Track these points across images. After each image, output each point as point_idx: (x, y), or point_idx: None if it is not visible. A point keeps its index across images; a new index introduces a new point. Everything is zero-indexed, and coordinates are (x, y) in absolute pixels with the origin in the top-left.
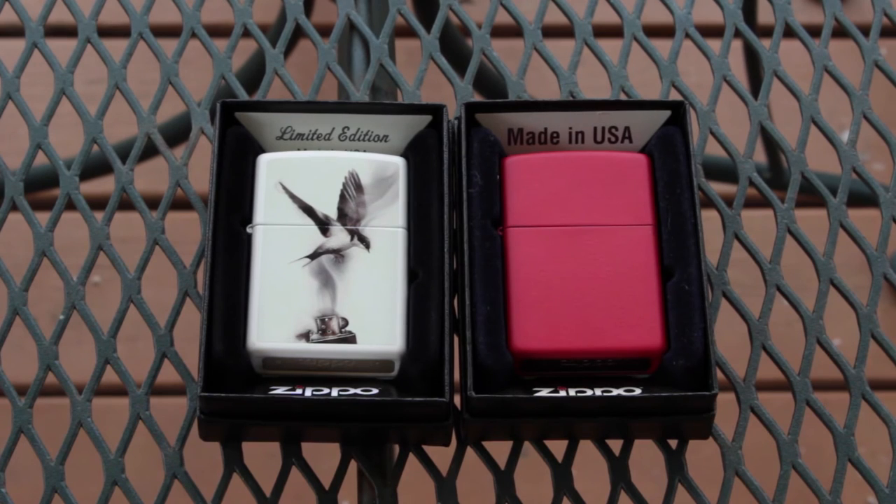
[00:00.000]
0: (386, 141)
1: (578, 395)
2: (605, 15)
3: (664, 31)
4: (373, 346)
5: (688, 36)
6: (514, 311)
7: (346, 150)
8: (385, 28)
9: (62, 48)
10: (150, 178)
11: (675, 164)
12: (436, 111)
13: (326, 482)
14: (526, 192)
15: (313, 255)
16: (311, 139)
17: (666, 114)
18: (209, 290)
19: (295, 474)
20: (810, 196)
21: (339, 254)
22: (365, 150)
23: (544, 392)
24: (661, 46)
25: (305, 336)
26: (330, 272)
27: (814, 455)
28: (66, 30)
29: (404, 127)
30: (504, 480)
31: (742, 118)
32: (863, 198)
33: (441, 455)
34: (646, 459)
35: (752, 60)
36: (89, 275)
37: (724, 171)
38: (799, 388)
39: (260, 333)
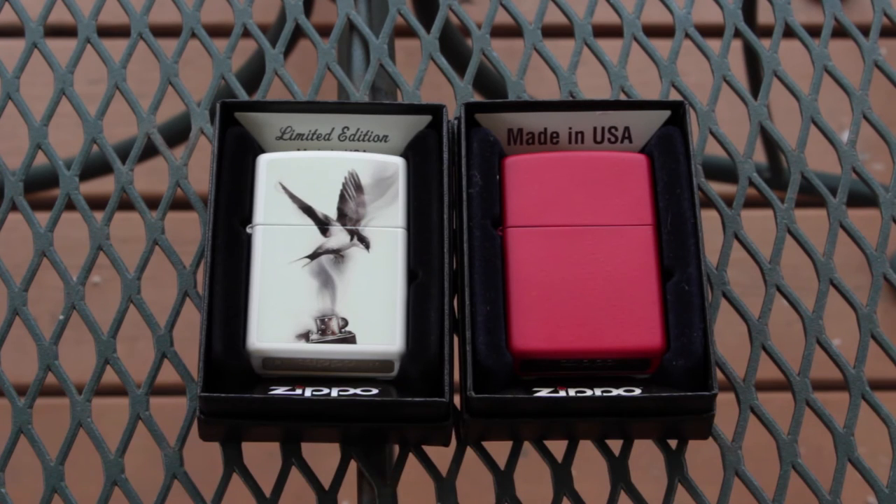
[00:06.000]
0: (386, 141)
1: (578, 395)
2: (605, 15)
3: (664, 31)
4: (372, 346)
5: (687, 36)
6: (513, 312)
7: (345, 150)
8: (385, 28)
9: (62, 48)
10: (150, 178)
11: (674, 165)
12: (436, 111)
13: (326, 482)
14: (526, 192)
15: (313, 256)
16: (311, 139)
17: (666, 114)
18: (209, 291)
19: (295, 474)
20: (810, 196)
21: (338, 254)
22: (365, 150)
23: (544, 392)
24: (661, 46)
25: (305, 336)
26: (330, 272)
27: (814, 455)
28: (66, 30)
29: (404, 127)
30: (504, 481)
31: (742, 118)
32: (863, 198)
33: (441, 455)
34: (646, 459)
35: (752, 60)
36: (89, 275)
37: (723, 171)
38: (799, 388)
39: (260, 334)
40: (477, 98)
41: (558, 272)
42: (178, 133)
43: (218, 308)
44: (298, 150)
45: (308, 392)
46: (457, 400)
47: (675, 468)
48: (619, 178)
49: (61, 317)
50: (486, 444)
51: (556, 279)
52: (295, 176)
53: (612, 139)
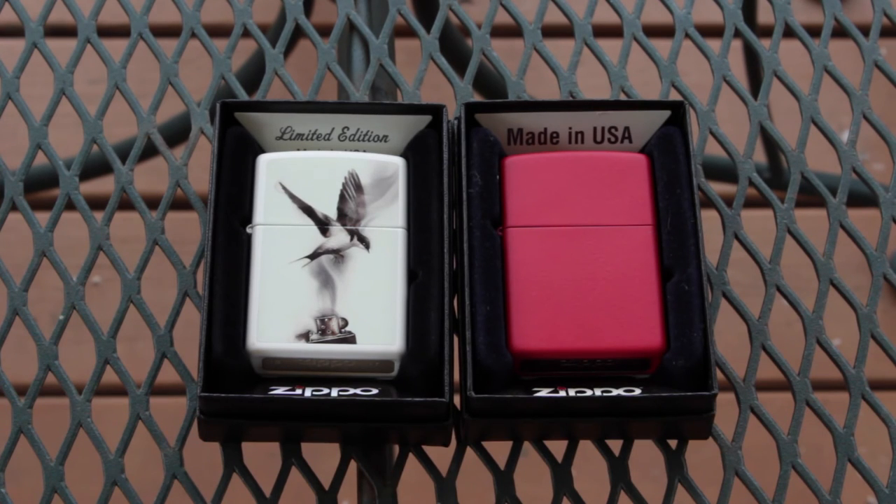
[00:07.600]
0: (386, 141)
1: (578, 395)
2: (605, 15)
3: (664, 31)
4: (372, 346)
5: (688, 36)
6: (513, 312)
7: (345, 150)
8: (385, 28)
9: (62, 48)
10: (150, 178)
11: (674, 164)
12: (436, 111)
13: (326, 482)
14: (526, 192)
15: (313, 256)
16: (311, 139)
17: (666, 114)
18: (209, 291)
19: (295, 474)
20: (810, 196)
21: (338, 254)
22: (365, 150)
23: (544, 392)
24: (661, 46)
25: (305, 336)
26: (330, 272)
27: (814, 455)
28: (66, 30)
29: (404, 127)
30: (504, 480)
31: (742, 118)
32: (863, 198)
33: (441, 455)
34: (646, 459)
35: (752, 60)
36: (89, 275)
37: (723, 171)
38: (799, 388)
39: (260, 334)
40: (477, 98)
41: (558, 272)
42: (178, 133)
43: (218, 308)
44: (298, 150)
45: (308, 392)
46: (457, 400)
47: (675, 468)
48: (619, 178)
49: (61, 317)
50: (486, 444)
51: (556, 279)
52: (295, 176)
53: (612, 139)
